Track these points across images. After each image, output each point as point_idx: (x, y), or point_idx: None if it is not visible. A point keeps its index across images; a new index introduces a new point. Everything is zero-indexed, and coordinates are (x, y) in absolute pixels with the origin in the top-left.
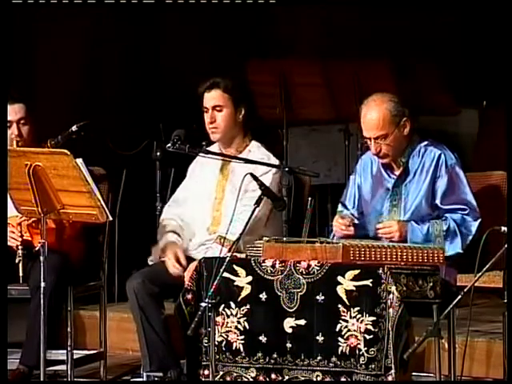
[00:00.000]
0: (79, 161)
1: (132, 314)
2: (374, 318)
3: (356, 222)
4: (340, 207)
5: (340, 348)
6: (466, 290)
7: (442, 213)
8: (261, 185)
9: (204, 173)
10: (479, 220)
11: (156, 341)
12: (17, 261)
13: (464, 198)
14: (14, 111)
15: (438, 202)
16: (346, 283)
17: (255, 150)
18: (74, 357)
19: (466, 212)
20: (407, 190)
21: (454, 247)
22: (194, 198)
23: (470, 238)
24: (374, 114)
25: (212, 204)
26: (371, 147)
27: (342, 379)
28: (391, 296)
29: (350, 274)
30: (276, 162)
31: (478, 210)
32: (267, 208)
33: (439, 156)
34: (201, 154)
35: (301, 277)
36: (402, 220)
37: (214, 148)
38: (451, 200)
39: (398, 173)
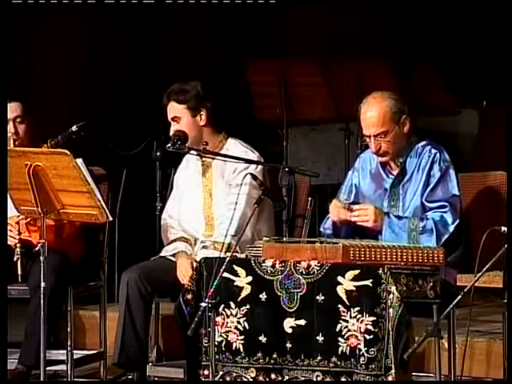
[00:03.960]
0: (79, 161)
1: (119, 303)
2: (374, 318)
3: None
4: None
5: (340, 348)
6: (466, 290)
7: (426, 209)
8: (261, 184)
9: (188, 182)
10: (458, 221)
11: (132, 339)
12: (15, 259)
13: (448, 196)
14: (11, 109)
15: (423, 198)
16: (346, 283)
17: (232, 147)
18: (74, 357)
19: (445, 210)
20: (405, 190)
21: (428, 243)
22: (185, 208)
23: (446, 236)
24: (374, 111)
25: (202, 209)
26: (371, 145)
27: (342, 379)
28: (391, 296)
29: (350, 274)
30: (255, 155)
31: (459, 211)
32: (250, 205)
33: (435, 155)
34: (199, 154)
35: (301, 277)
36: (383, 211)
37: None
38: (435, 197)
39: (395, 173)
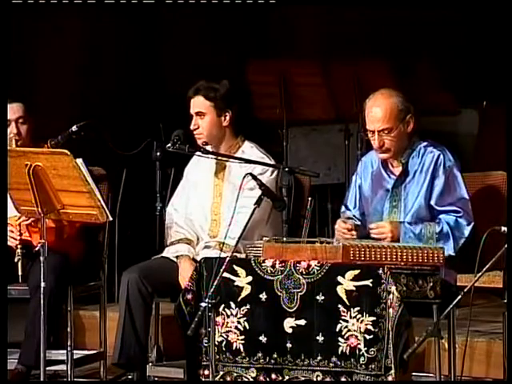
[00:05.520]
0: (79, 161)
1: (119, 303)
2: (374, 318)
3: (358, 223)
4: (343, 208)
5: (340, 348)
6: (466, 290)
7: (436, 214)
8: (260, 184)
9: (199, 178)
10: (472, 224)
11: (132, 339)
12: (16, 260)
13: (459, 200)
14: (13, 110)
15: (433, 202)
16: (346, 283)
17: (248, 150)
18: (74, 357)
19: (459, 214)
20: (406, 190)
21: (447, 249)
22: (192, 203)
23: (463, 241)
24: (380, 106)
25: (210, 208)
26: (374, 141)
27: (342, 379)
28: (391, 296)
29: (350, 274)
30: (271, 162)
31: (472, 213)
32: (266, 209)
33: (438, 156)
34: (201, 154)
35: (301, 277)
36: (398, 221)
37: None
38: (446, 201)
39: (397, 173)
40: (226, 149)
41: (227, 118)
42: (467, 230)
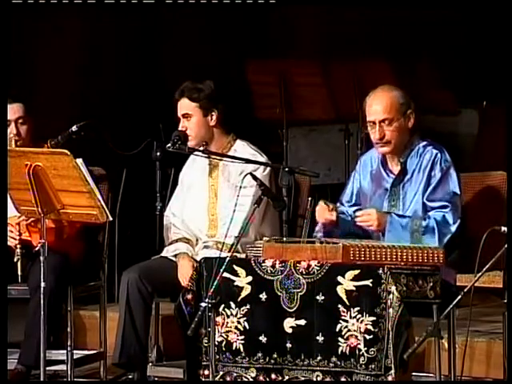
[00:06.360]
0: (79, 161)
1: (119, 303)
2: (374, 318)
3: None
4: (338, 204)
5: (340, 348)
6: (466, 290)
7: (428, 210)
8: (260, 184)
9: (194, 180)
10: (459, 221)
11: (132, 338)
12: (15, 260)
13: (450, 195)
14: (13, 110)
15: (425, 198)
16: (346, 283)
17: (240, 148)
18: (74, 357)
19: (447, 210)
20: (405, 190)
21: (431, 243)
22: (189, 206)
23: (449, 236)
24: (382, 98)
25: (207, 209)
26: (375, 133)
27: (342, 379)
28: (391, 296)
29: (350, 274)
30: (263, 158)
31: (460, 210)
32: (261, 207)
33: (436, 155)
34: (200, 154)
35: (301, 277)
36: (385, 211)
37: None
38: (436, 197)
39: (396, 172)
40: (217, 148)
41: (214, 117)
42: (454, 227)
